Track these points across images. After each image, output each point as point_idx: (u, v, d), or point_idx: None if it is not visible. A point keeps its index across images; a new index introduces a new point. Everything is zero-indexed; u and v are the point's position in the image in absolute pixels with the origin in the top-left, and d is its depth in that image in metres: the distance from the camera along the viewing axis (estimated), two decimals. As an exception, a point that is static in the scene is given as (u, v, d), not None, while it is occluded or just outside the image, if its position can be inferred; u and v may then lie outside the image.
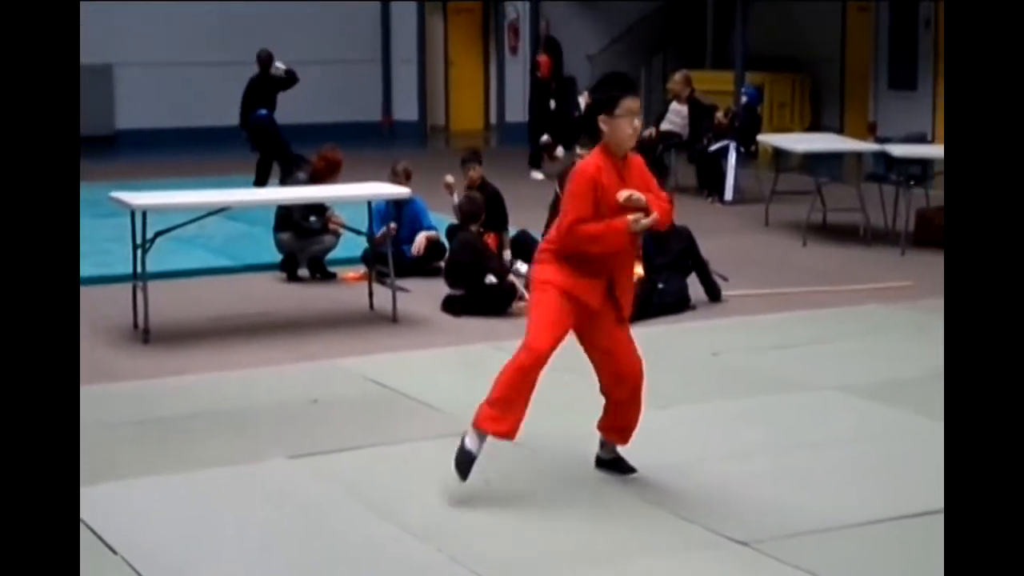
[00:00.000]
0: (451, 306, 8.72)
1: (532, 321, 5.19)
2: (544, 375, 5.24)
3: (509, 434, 5.11)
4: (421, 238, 9.91)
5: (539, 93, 16.77)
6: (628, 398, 5.36)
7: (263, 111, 14.21)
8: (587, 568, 4.59)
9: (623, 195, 5.04)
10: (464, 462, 5.07)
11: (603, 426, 5.44)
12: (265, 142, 14.18)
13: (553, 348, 5.11)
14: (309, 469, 5.59)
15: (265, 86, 14.33)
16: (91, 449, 5.78)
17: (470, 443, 5.09)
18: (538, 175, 15.70)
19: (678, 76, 15.04)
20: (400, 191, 9.15)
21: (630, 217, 5.05)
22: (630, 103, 5.10)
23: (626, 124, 5.09)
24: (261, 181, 14.01)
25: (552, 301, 5.14)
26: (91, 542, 4.75)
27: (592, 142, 8.72)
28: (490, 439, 5.10)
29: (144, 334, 7.96)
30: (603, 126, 5.10)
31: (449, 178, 10.39)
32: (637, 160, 5.29)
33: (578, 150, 11.32)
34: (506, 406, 5.06)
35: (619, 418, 5.40)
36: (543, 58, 16.99)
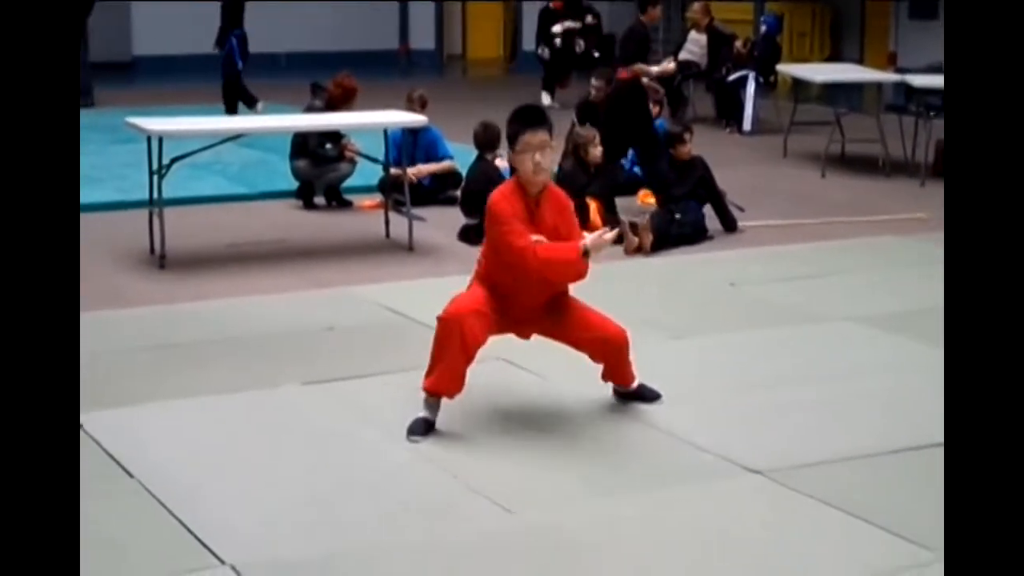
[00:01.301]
0: (467, 235, 8.70)
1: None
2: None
3: (439, 390, 5.05)
4: (423, 168, 9.84)
5: (549, 23, 16.63)
6: (615, 362, 5.33)
7: (240, 31, 14.14)
8: (601, 497, 4.60)
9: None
10: (414, 429, 5.06)
11: (604, 378, 5.44)
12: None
13: (466, 308, 4.99)
14: (323, 395, 5.61)
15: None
16: (107, 374, 5.83)
17: (429, 414, 5.09)
18: (547, 99, 15.61)
19: (697, 5, 14.89)
20: (416, 119, 9.10)
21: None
22: (529, 138, 4.94)
23: (527, 160, 4.95)
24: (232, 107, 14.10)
25: (474, 285, 5.15)
26: (107, 465, 4.79)
27: (610, 73, 8.55)
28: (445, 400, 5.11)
29: (160, 260, 7.97)
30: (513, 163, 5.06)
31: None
32: (557, 198, 5.11)
33: (593, 80, 11.22)
34: (434, 362, 5.03)
35: (614, 376, 5.41)
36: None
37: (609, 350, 5.27)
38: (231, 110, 14.05)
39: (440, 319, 5.05)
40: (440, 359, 5.04)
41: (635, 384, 5.44)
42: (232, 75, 14.18)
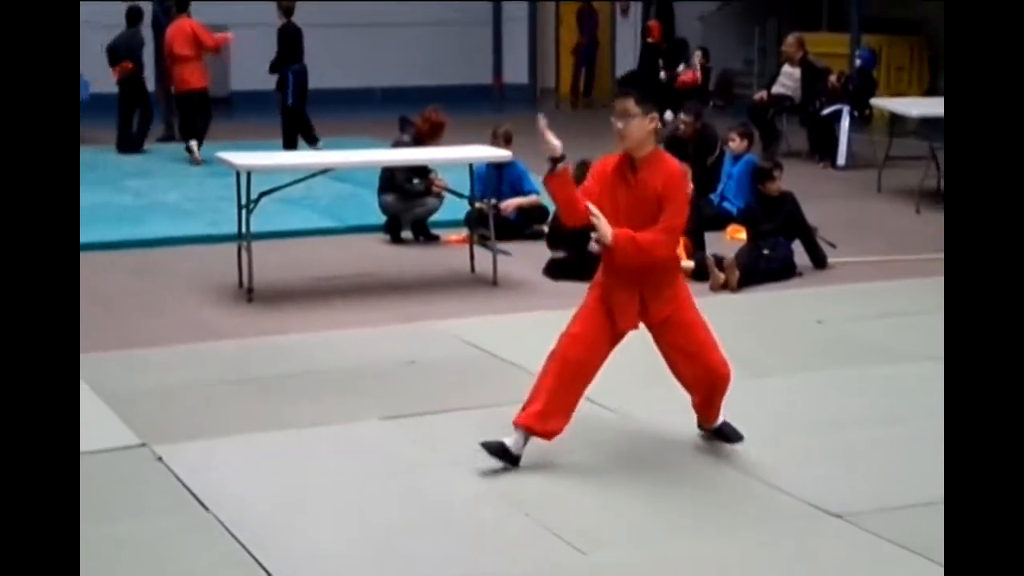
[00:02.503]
0: (553, 270, 8.67)
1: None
2: (643, 341, 5.18)
3: (552, 433, 5.04)
4: (510, 202, 9.84)
5: (649, 57, 16.59)
6: (705, 397, 5.27)
7: (298, 66, 14.05)
8: (676, 539, 4.53)
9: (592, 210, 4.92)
10: (497, 452, 5.03)
11: (694, 409, 5.37)
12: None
13: (580, 341, 4.99)
14: (401, 430, 5.61)
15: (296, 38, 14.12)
16: (190, 406, 5.90)
17: (511, 444, 5.05)
18: None
19: (791, 38, 14.76)
20: (500, 154, 9.11)
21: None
22: (615, 104, 5.02)
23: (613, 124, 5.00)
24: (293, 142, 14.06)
25: (586, 305, 5.11)
26: (183, 498, 4.83)
27: (699, 108, 8.43)
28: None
29: (248, 293, 8.06)
30: None
31: None
32: (665, 167, 5.04)
33: (682, 115, 11.16)
34: (549, 402, 5.00)
35: (700, 410, 5.35)
36: (654, 22, 16.80)
37: (705, 382, 5.19)
38: (289, 145, 13.94)
39: (554, 350, 5.04)
40: (541, 392, 5.01)
41: (719, 422, 5.36)
42: (287, 111, 14.12)
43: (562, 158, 4.90)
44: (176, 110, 14.77)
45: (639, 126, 4.95)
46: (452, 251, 9.56)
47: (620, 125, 4.95)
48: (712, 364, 5.14)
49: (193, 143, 13.86)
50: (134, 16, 14.64)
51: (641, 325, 5.15)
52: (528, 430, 5.03)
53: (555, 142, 4.88)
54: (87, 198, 11.48)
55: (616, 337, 5.12)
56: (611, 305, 5.05)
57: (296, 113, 14.11)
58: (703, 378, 5.18)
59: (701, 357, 5.13)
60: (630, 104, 4.96)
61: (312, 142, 14.06)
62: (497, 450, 5.02)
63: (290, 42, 14.04)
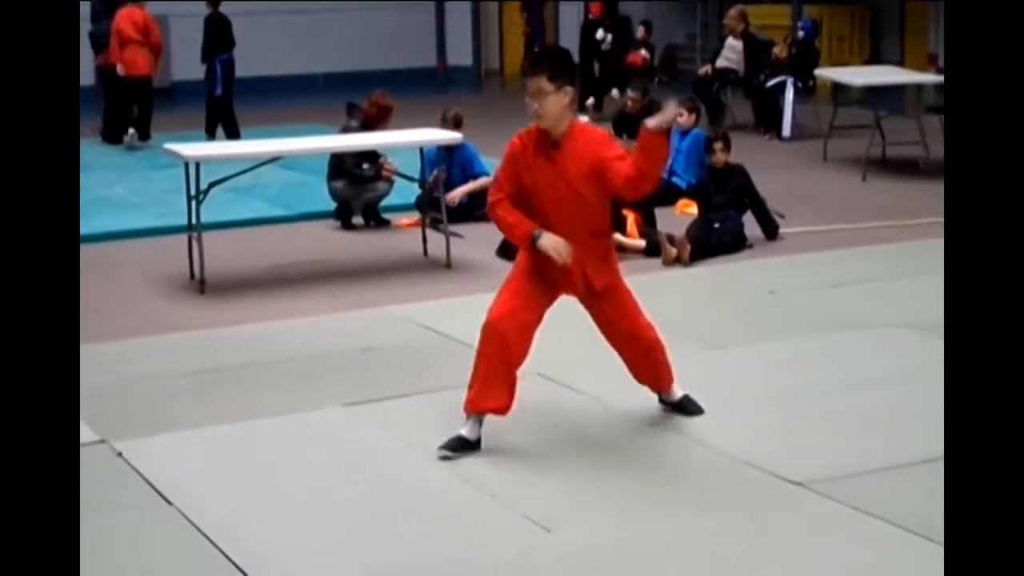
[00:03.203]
0: (505, 251, 8.67)
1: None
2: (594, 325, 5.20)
3: (479, 407, 5.03)
4: (457, 192, 9.81)
5: (590, 35, 16.57)
6: (641, 365, 5.29)
7: (226, 56, 14.02)
8: (640, 512, 4.56)
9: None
10: (447, 444, 5.04)
11: (636, 379, 5.39)
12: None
13: (507, 313, 4.96)
14: (363, 416, 5.60)
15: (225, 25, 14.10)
16: (147, 400, 5.86)
17: (467, 432, 5.05)
18: (584, 118, 15.55)
19: (733, 11, 14.84)
20: (451, 136, 9.10)
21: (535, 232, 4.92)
22: (527, 84, 4.94)
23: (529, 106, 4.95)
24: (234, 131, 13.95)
25: (514, 276, 5.11)
26: (146, 493, 4.80)
27: (646, 84, 8.41)
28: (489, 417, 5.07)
29: (200, 284, 8.00)
30: None
31: None
32: (585, 135, 4.98)
33: (629, 92, 11.19)
34: (474, 376, 5.02)
35: (642, 378, 5.36)
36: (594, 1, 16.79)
37: (640, 349, 5.21)
38: (210, 134, 13.83)
39: (482, 327, 5.01)
40: (480, 372, 5.01)
41: (679, 395, 5.39)
42: (214, 101, 14.04)
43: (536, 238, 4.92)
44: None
45: (555, 103, 4.87)
46: (404, 235, 9.54)
47: (536, 105, 4.88)
48: (641, 330, 5.18)
49: (131, 131, 13.81)
50: (113, 2, 14.46)
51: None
52: (478, 412, 5.04)
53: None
54: (32, 194, 11.41)
55: (549, 301, 5.10)
56: (547, 274, 5.02)
57: (222, 103, 14.01)
58: (639, 346, 5.20)
59: (634, 325, 5.17)
60: (543, 82, 4.88)
61: (233, 136, 13.88)
62: (456, 445, 5.03)
63: (218, 31, 13.95)
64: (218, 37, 13.95)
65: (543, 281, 5.05)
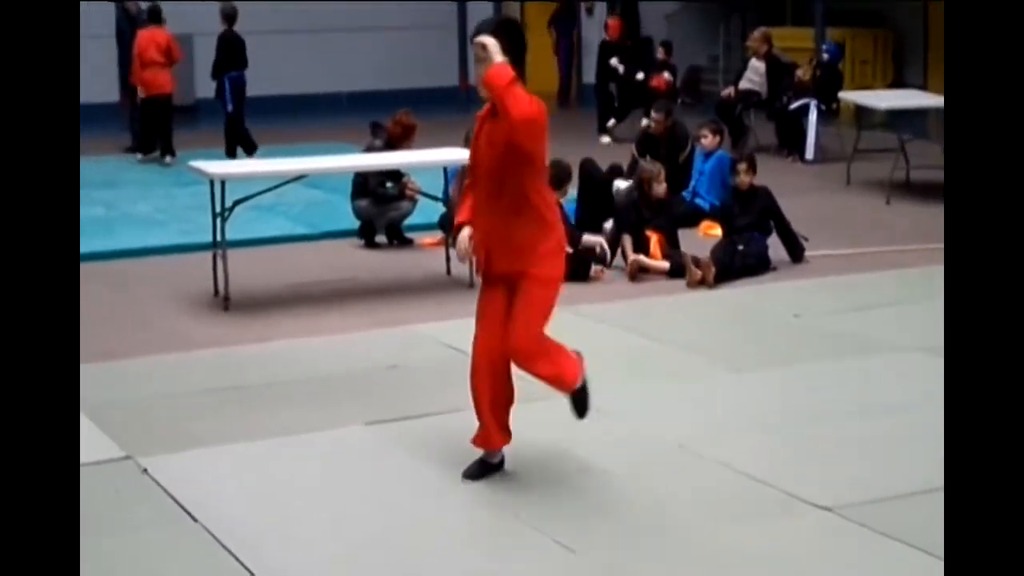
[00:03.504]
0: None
1: None
2: (621, 340, 5.19)
3: (502, 443, 5.02)
4: None
5: (606, 58, 16.58)
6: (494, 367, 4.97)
7: (236, 74, 14.05)
8: (668, 536, 4.54)
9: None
10: (468, 472, 5.02)
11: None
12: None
13: (478, 352, 4.91)
14: (387, 435, 5.60)
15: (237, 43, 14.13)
16: (172, 417, 5.87)
17: (487, 456, 5.04)
18: (606, 139, 15.56)
19: (756, 33, 14.83)
20: (475, 156, 9.10)
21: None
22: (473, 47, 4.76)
23: None
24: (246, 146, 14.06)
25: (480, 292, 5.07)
26: (171, 509, 4.80)
27: (670, 105, 8.39)
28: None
29: (224, 302, 8.02)
30: None
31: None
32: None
33: (653, 113, 11.19)
34: (486, 420, 4.98)
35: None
36: (612, 20, 16.80)
37: (501, 349, 4.87)
38: (230, 154, 13.87)
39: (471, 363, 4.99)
40: (478, 414, 5.01)
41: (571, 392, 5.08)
42: (228, 118, 14.10)
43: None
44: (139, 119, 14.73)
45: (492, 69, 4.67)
46: (427, 254, 9.55)
47: (481, 70, 4.72)
48: (509, 337, 4.80)
49: (156, 153, 13.97)
50: (155, 15, 14.58)
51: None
52: (487, 451, 5.03)
53: None
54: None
55: (506, 291, 4.86)
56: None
57: (233, 120, 14.11)
58: (504, 344, 4.84)
59: (510, 328, 4.80)
60: (479, 48, 4.70)
61: (250, 150, 14.00)
62: (478, 472, 5.01)
63: (229, 49, 14.04)
64: (229, 55, 14.06)
65: (489, 280, 4.95)
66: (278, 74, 19.54)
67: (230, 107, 13.99)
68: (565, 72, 21.13)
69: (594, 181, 10.08)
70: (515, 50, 4.77)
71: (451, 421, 5.70)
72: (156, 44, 14.03)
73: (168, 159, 13.99)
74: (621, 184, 10.09)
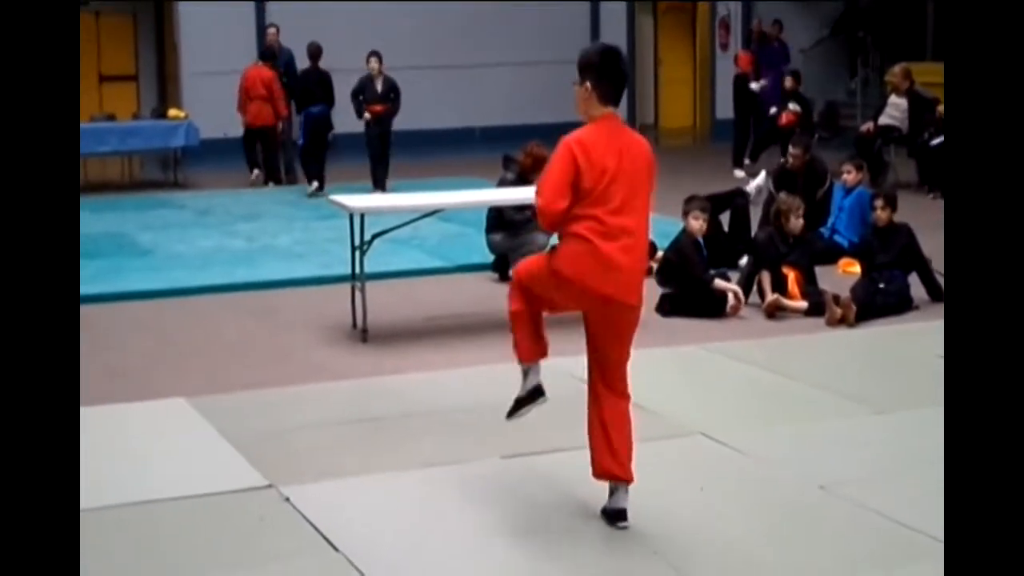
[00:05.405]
0: (663, 306, 8.64)
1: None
2: (759, 379, 5.13)
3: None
4: None
5: (742, 88, 16.48)
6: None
7: (319, 108, 14.85)
8: (799, 571, 4.47)
9: None
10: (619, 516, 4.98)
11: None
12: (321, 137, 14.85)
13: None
14: (522, 469, 5.61)
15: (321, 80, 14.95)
16: (313, 447, 5.96)
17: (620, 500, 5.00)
18: (740, 173, 15.45)
19: (897, 69, 14.62)
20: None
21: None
22: None
23: None
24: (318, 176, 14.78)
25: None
26: (313, 538, 4.87)
27: (808, 140, 8.15)
28: None
29: (362, 333, 8.14)
30: None
31: None
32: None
33: (791, 148, 11.09)
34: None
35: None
36: (743, 53, 16.72)
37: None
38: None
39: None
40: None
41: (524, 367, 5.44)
42: (301, 150, 14.93)
43: None
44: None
45: (577, 95, 5.08)
46: (561, 289, 9.55)
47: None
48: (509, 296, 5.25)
49: (256, 172, 15.48)
50: (265, 55, 15.78)
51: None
52: (620, 482, 4.99)
53: None
54: (202, 242, 11.77)
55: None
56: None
57: (305, 152, 14.93)
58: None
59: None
60: (576, 93, 5.05)
61: (309, 181, 14.83)
62: (618, 515, 4.97)
63: (308, 85, 14.97)
64: (307, 90, 14.98)
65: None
66: (413, 109, 19.69)
67: (302, 139, 14.96)
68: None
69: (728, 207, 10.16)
70: (602, 81, 5.06)
71: (585, 456, 5.68)
72: (262, 80, 15.33)
73: (317, 192, 14.56)
74: (752, 183, 10.16)
